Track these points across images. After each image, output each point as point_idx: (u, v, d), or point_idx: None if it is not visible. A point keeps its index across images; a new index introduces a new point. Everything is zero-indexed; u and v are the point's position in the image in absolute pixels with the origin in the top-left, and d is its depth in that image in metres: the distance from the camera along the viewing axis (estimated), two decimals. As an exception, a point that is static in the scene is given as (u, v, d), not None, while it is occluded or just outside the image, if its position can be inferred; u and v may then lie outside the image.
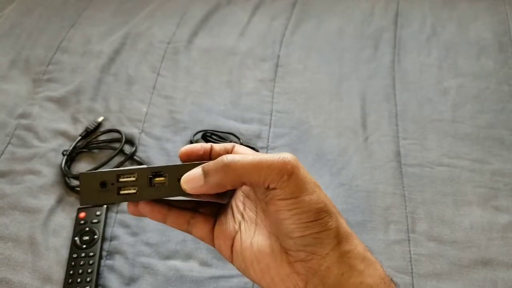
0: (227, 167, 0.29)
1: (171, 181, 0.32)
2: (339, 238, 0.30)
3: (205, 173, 0.30)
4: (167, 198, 0.36)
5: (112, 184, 0.31)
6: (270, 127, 0.68)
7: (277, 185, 0.29)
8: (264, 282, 0.31)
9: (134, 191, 0.32)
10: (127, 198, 0.32)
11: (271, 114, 0.70)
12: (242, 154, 0.31)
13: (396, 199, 0.59)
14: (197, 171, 0.31)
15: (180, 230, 0.35)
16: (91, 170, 0.56)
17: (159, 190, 0.32)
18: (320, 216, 0.29)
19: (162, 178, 0.32)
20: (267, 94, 0.72)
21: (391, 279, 0.31)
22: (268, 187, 0.29)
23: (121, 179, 0.32)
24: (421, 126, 0.67)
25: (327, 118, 0.69)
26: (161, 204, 0.34)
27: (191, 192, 0.31)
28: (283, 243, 0.30)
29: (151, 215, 0.34)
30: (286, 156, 0.29)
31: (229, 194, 0.37)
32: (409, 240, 0.56)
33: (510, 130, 0.66)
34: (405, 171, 0.62)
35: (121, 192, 0.32)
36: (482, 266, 0.53)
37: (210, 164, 0.30)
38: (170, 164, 0.32)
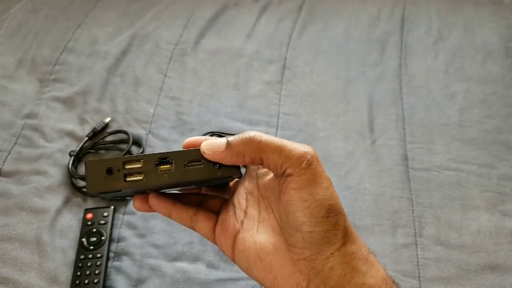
0: (252, 139, 0.30)
1: (178, 167, 0.32)
2: (345, 239, 0.30)
3: (229, 143, 0.31)
4: (173, 192, 0.36)
5: (119, 170, 0.31)
6: (277, 129, 0.68)
7: (294, 171, 0.29)
8: (267, 281, 0.31)
9: (141, 177, 0.31)
10: (134, 184, 0.31)
11: (278, 116, 0.70)
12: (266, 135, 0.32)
13: (403, 203, 0.59)
14: (221, 139, 0.32)
15: (185, 225, 0.35)
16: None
17: (166, 176, 0.31)
18: (330, 213, 0.29)
19: (168, 165, 0.32)
20: (274, 97, 0.72)
21: (393, 281, 0.31)
22: (284, 172, 0.29)
23: (127, 166, 0.31)
24: (428, 130, 0.67)
25: (334, 121, 0.69)
26: (166, 199, 0.35)
27: (208, 157, 0.31)
28: (290, 238, 0.30)
29: (157, 208, 0.34)
30: (308, 147, 0.30)
31: (231, 190, 0.37)
32: (416, 244, 0.56)
33: (517, 134, 0.66)
34: (412, 175, 0.62)
35: (128, 179, 0.31)
36: (490, 271, 0.53)
37: (234, 136, 0.31)
38: (176, 150, 0.32)
